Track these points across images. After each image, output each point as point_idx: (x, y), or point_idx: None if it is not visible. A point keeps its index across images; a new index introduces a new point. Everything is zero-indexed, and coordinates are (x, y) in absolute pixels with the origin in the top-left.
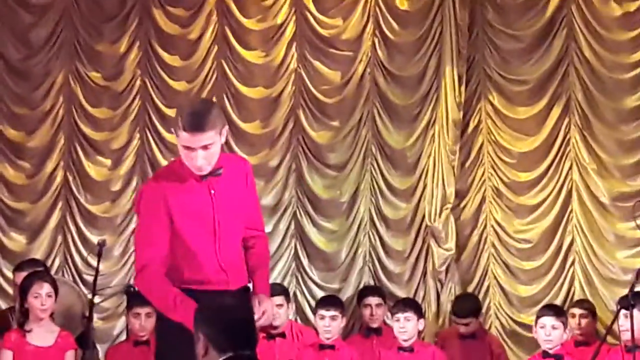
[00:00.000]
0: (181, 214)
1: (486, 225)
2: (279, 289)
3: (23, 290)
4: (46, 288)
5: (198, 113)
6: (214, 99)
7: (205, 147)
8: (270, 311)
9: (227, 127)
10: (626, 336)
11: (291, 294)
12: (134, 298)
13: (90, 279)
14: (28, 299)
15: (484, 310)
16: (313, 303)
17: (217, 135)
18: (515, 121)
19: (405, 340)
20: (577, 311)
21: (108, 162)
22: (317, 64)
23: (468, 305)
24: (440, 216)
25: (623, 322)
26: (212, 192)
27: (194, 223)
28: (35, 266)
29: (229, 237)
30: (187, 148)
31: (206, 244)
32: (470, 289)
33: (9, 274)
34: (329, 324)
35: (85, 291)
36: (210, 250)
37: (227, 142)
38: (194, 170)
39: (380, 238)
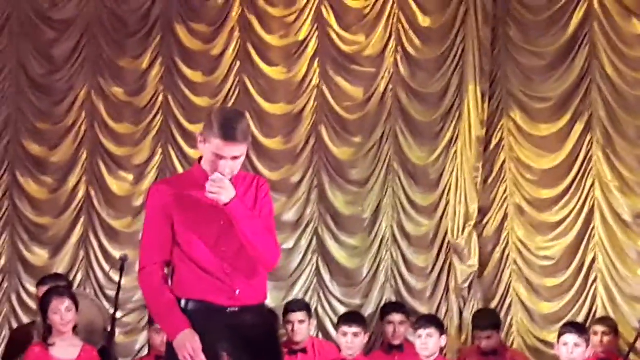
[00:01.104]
0: (184, 219)
1: (508, 242)
2: (301, 305)
3: (43, 306)
4: (65, 303)
5: (235, 123)
6: None
7: (234, 158)
8: (226, 188)
9: (250, 139)
10: None
11: (313, 309)
12: None
13: (112, 293)
14: (49, 316)
15: (506, 327)
16: (335, 319)
17: (246, 147)
18: (537, 138)
19: (427, 357)
20: (599, 328)
21: (130, 177)
22: (339, 80)
23: (489, 318)
24: (463, 233)
25: None
26: None
27: (198, 229)
28: (58, 281)
29: (237, 247)
30: (218, 156)
31: (210, 251)
32: (492, 306)
33: (32, 289)
34: (352, 341)
35: (107, 306)
36: (214, 258)
37: (249, 158)
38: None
39: (402, 254)
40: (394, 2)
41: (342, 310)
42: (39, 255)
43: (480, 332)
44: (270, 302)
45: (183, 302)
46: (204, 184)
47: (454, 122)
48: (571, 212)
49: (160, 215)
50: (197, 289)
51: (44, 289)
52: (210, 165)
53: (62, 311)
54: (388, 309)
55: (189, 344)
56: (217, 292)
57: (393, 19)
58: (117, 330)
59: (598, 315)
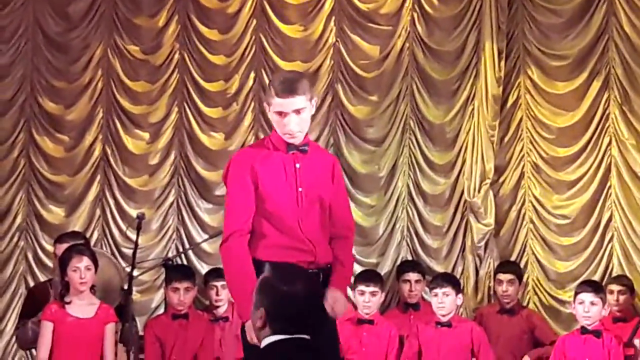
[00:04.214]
0: (266, 181)
1: (525, 200)
2: None
3: (62, 263)
4: (85, 261)
5: (289, 79)
6: (252, 73)
7: (297, 112)
8: (339, 308)
9: (316, 99)
10: None
11: None
12: (172, 272)
13: (128, 252)
14: (67, 273)
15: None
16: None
17: (308, 101)
18: (555, 96)
19: (443, 316)
20: (615, 287)
21: (146, 135)
22: (355, 38)
23: (513, 265)
24: (479, 191)
25: None
26: (297, 165)
27: (279, 191)
28: (76, 238)
29: (311, 213)
30: (280, 114)
31: (290, 213)
32: None
33: (48, 247)
34: (369, 300)
35: (124, 264)
36: (293, 220)
37: (264, 116)
38: (286, 137)
39: (419, 213)
40: None
41: (358, 268)
42: (55, 213)
43: (502, 275)
44: None
45: (267, 265)
46: (278, 149)
47: (470, 81)
48: (588, 170)
49: (247, 181)
50: (278, 245)
51: (62, 246)
52: (277, 126)
53: (81, 269)
54: (404, 267)
55: None
56: (297, 251)
57: None
58: (134, 289)
59: (614, 274)
